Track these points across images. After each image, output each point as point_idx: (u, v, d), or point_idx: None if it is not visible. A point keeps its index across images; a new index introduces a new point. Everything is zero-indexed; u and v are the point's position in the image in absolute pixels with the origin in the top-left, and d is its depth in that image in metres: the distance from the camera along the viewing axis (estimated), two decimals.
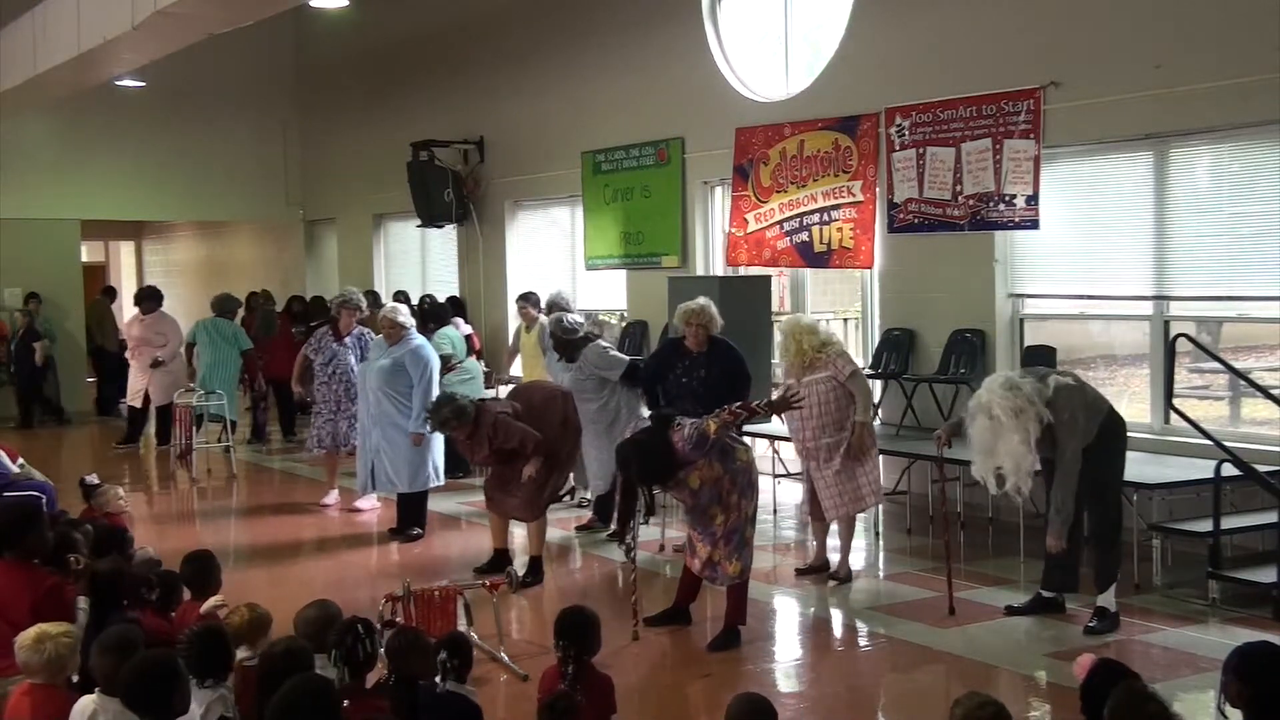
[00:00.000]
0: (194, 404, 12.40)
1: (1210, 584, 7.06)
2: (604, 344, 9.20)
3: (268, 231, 20.76)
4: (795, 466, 9.31)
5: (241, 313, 14.66)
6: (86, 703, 4.06)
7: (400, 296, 14.40)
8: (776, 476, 9.77)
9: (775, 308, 11.66)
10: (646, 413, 8.20)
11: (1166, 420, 8.44)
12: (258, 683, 4.13)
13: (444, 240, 16.13)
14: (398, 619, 5.76)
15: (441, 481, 9.48)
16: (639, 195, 12.73)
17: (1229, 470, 7.11)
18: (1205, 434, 7.27)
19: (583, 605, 4.85)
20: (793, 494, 9.82)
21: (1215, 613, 6.89)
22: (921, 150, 9.85)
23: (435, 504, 9.65)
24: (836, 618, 7.26)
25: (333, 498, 10.48)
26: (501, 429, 7.53)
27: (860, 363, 8.62)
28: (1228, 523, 7.15)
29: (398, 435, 9.11)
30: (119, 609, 5.00)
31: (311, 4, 12.08)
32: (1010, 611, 6.97)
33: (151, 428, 14.12)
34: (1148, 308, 8.72)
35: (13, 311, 16.64)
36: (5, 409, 16.24)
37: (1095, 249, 9.05)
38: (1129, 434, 6.98)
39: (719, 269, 12.04)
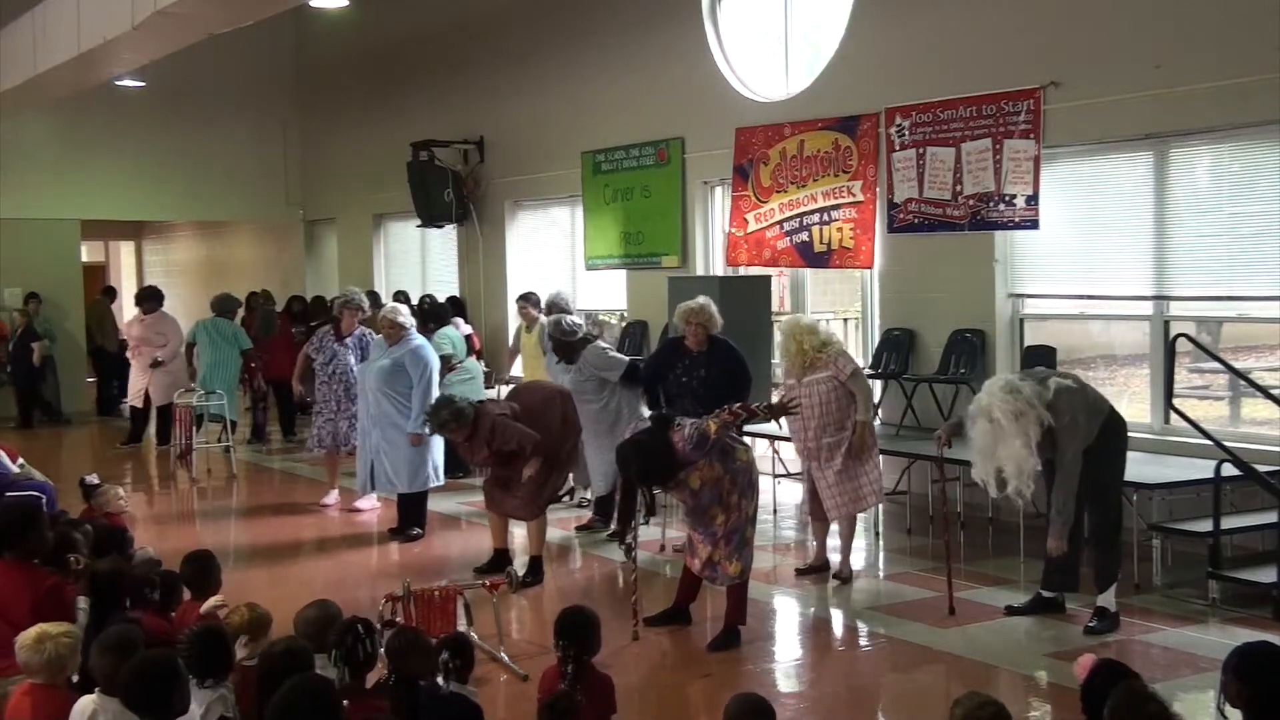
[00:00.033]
0: (194, 404, 12.40)
1: (1210, 584, 7.06)
2: (603, 345, 9.20)
3: (268, 231, 20.76)
4: (795, 466, 9.32)
5: (241, 313, 14.66)
6: (86, 703, 4.06)
7: (400, 296, 14.40)
8: (776, 476, 9.77)
9: (775, 308, 11.66)
10: (647, 413, 8.20)
11: (1166, 420, 8.44)
12: (258, 683, 4.13)
13: (444, 240, 16.13)
14: (398, 619, 5.76)
15: (441, 481, 9.48)
16: (639, 195, 12.73)
17: (1229, 470, 7.11)
18: (1205, 434, 7.27)
19: (583, 605, 4.85)
20: (793, 494, 9.82)
21: (1215, 613, 6.89)
22: (921, 150, 9.85)
23: (435, 504, 9.65)
24: (836, 618, 7.27)
25: (333, 498, 10.48)
26: (500, 431, 7.53)
27: (860, 363, 8.62)
28: (1228, 523, 7.15)
29: (397, 435, 9.11)
30: (119, 609, 5.01)
31: (311, 4, 12.08)
32: (1010, 611, 6.97)
33: (152, 428, 14.12)
34: (1148, 308, 8.72)
35: (11, 312, 16.63)
36: (5, 409, 16.23)
37: (1095, 249, 9.05)
38: (1129, 434, 6.98)
39: (719, 269, 12.04)
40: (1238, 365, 8.13)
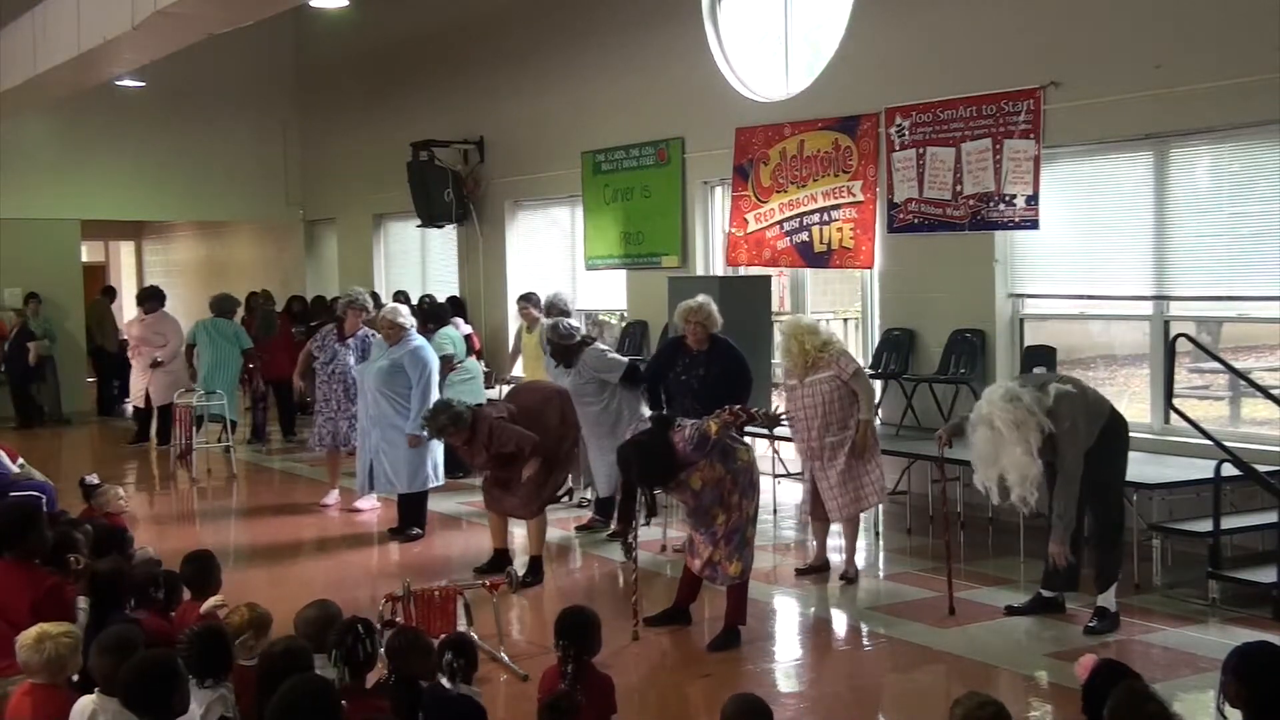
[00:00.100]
0: (194, 404, 12.40)
1: (1210, 584, 7.06)
2: (602, 346, 9.18)
3: (268, 231, 20.76)
4: (795, 466, 9.32)
5: (241, 313, 14.66)
6: (86, 703, 4.05)
7: (400, 296, 14.41)
8: (776, 476, 9.77)
9: (775, 308, 11.66)
10: (648, 413, 8.19)
11: (1166, 420, 8.44)
12: (257, 683, 4.13)
13: (444, 240, 16.14)
14: (398, 619, 5.76)
15: (441, 481, 9.47)
16: (639, 195, 12.73)
17: (1229, 470, 7.11)
18: (1205, 434, 7.27)
19: (583, 605, 4.85)
20: (793, 494, 9.82)
21: (1215, 613, 6.89)
22: (921, 150, 9.85)
23: (435, 504, 9.65)
24: (836, 618, 7.27)
25: (333, 498, 10.48)
26: (498, 434, 7.53)
27: (860, 363, 8.62)
28: (1228, 523, 7.15)
29: (397, 436, 9.11)
30: (119, 609, 5.01)
31: (311, 4, 12.08)
32: (1010, 611, 6.97)
33: (152, 428, 14.11)
34: (1148, 308, 8.72)
35: (8, 311, 16.61)
36: (6, 409, 16.22)
37: (1095, 249, 9.05)
38: (1129, 434, 6.98)
39: (719, 269, 12.04)
40: (1238, 365, 8.13)
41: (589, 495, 9.69)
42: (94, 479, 7.49)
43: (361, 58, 17.38)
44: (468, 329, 12.75)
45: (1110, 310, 9.13)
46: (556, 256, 14.39)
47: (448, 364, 10.58)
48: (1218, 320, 8.72)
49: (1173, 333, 8.12)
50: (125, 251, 26.54)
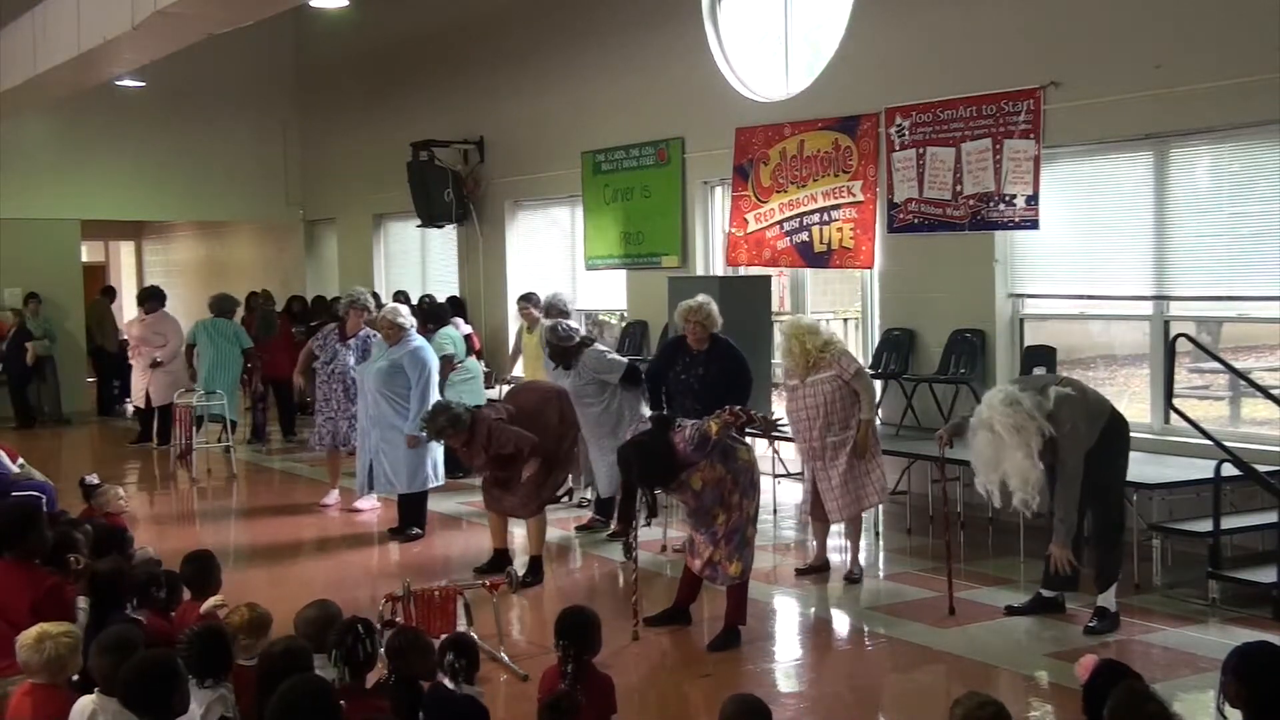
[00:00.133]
0: (194, 404, 12.40)
1: (1210, 584, 7.06)
2: (601, 347, 9.17)
3: (268, 231, 20.76)
4: (795, 466, 9.32)
5: (241, 313, 14.66)
6: (86, 703, 4.05)
7: (400, 296, 14.41)
8: (776, 476, 9.77)
9: (775, 308, 11.66)
10: (648, 413, 8.20)
11: (1166, 420, 8.44)
12: (257, 683, 4.13)
13: (444, 240, 16.14)
14: (398, 619, 5.76)
15: (441, 481, 9.47)
16: (639, 195, 12.73)
17: (1229, 470, 7.11)
18: (1205, 434, 7.27)
19: (583, 605, 4.85)
20: (793, 494, 9.82)
21: (1215, 613, 6.89)
22: (921, 150, 9.85)
23: (435, 504, 9.65)
24: (836, 618, 7.27)
25: (333, 498, 10.48)
26: (497, 436, 7.53)
27: (861, 362, 8.62)
28: (1228, 523, 7.15)
29: (396, 436, 9.10)
30: (119, 609, 5.01)
31: (311, 4, 12.08)
32: (1010, 611, 6.97)
33: (154, 428, 14.10)
34: (1148, 308, 8.72)
35: (7, 311, 16.61)
36: (6, 410, 16.22)
37: (1095, 249, 9.05)
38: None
39: (719, 269, 12.04)
40: (1238, 365, 8.13)
41: (589, 495, 9.69)
42: (94, 479, 7.49)
43: (361, 58, 17.38)
44: (468, 329, 12.75)
45: (1110, 310, 9.13)
46: (556, 256, 14.39)
47: (448, 364, 10.57)
48: (1218, 320, 8.72)
49: (1173, 333, 8.11)
50: (125, 251, 26.55)
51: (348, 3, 12.85)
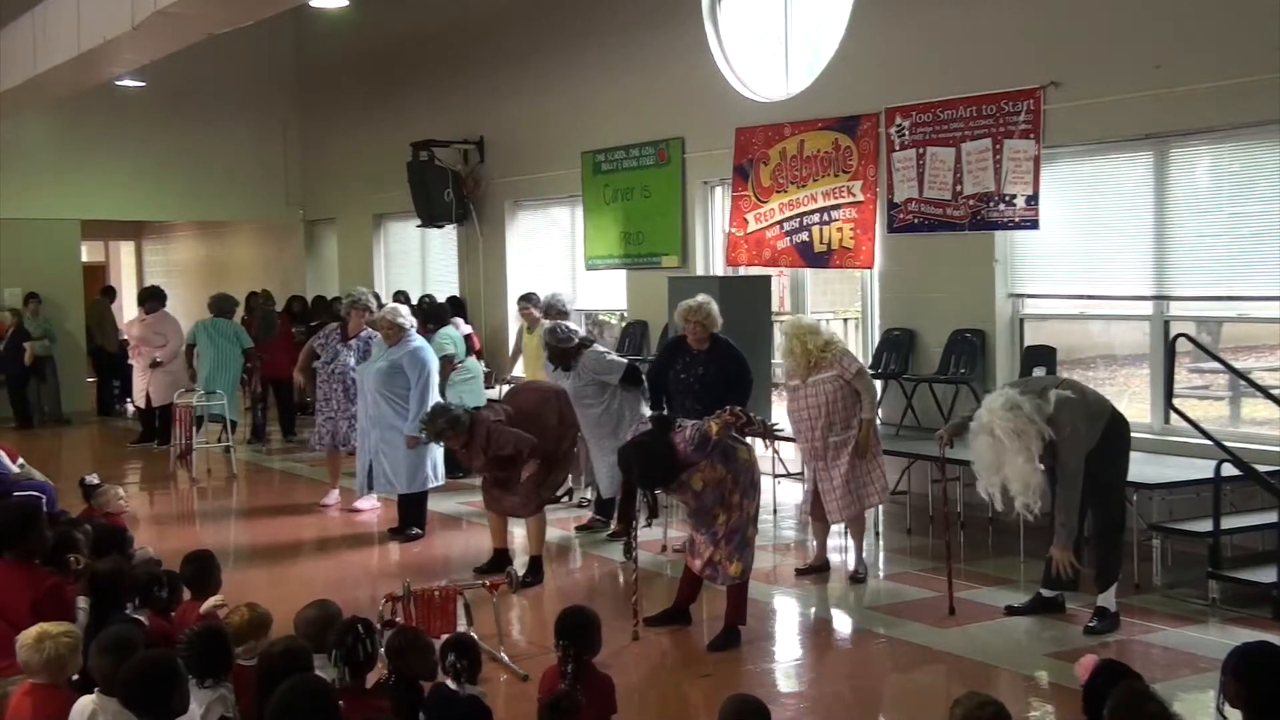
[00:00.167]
0: (194, 404, 12.40)
1: (1210, 584, 7.06)
2: (600, 348, 9.17)
3: (268, 231, 20.76)
4: (795, 466, 9.32)
5: (241, 313, 14.66)
6: (85, 703, 4.05)
7: (400, 296, 14.40)
8: (776, 476, 9.76)
9: (775, 308, 11.66)
10: (649, 413, 8.19)
11: (1166, 420, 8.44)
12: (257, 683, 4.13)
13: (444, 240, 16.14)
14: (398, 619, 5.75)
15: (441, 481, 9.47)
16: (639, 195, 12.73)
17: (1229, 470, 7.11)
18: (1205, 434, 7.27)
19: (583, 605, 4.85)
20: (793, 494, 9.82)
21: (1215, 613, 6.89)
22: (921, 150, 9.86)
23: (435, 504, 9.65)
24: (836, 617, 7.27)
25: (333, 498, 10.48)
26: (496, 437, 7.53)
27: (862, 362, 8.63)
28: (1228, 523, 7.15)
29: (395, 436, 9.10)
30: (119, 609, 5.01)
31: (311, 4, 12.08)
32: (1010, 611, 6.97)
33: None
34: (1148, 308, 8.72)
35: (5, 311, 16.59)
36: (7, 410, 16.22)
37: (1095, 249, 9.05)
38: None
39: (719, 269, 12.04)
40: (1238, 365, 8.13)
41: (589, 495, 9.69)
42: (94, 479, 7.49)
43: (361, 58, 17.38)
44: (468, 329, 12.75)
45: (1110, 310, 9.13)
46: (556, 256, 14.39)
47: (448, 364, 10.57)
48: (1218, 320, 8.72)
49: (1173, 333, 8.11)
50: (125, 251, 26.55)
51: (348, 3, 12.85)
